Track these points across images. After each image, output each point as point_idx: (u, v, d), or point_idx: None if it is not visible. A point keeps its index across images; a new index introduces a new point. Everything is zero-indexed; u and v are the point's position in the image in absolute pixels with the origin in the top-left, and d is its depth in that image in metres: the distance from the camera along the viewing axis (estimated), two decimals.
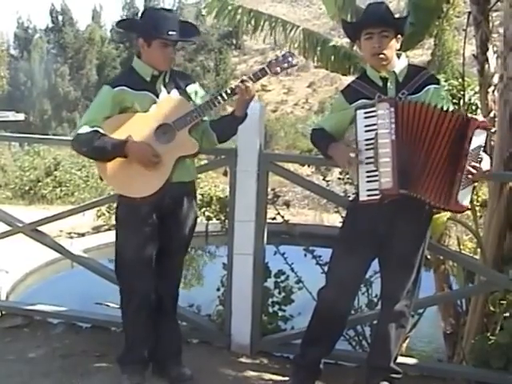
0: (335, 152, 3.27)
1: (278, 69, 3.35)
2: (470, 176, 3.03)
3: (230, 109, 3.61)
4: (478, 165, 3.03)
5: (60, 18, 57.78)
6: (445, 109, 3.07)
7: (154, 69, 3.37)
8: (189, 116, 3.30)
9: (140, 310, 3.49)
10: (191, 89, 3.51)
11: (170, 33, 3.29)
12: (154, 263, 3.51)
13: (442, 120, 3.03)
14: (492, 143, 5.02)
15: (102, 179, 3.49)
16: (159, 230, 3.43)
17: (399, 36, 3.26)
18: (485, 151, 3.13)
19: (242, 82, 3.31)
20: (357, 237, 3.28)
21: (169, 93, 3.42)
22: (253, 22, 8.58)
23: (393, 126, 3.05)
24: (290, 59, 3.36)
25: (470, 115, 3.16)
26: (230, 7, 8.74)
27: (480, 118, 3.17)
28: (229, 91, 3.35)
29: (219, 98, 3.33)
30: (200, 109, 3.33)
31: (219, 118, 3.57)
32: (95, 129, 3.27)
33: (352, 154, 3.13)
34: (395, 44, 3.25)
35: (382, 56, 3.20)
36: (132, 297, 3.50)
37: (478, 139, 3.02)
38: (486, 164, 3.12)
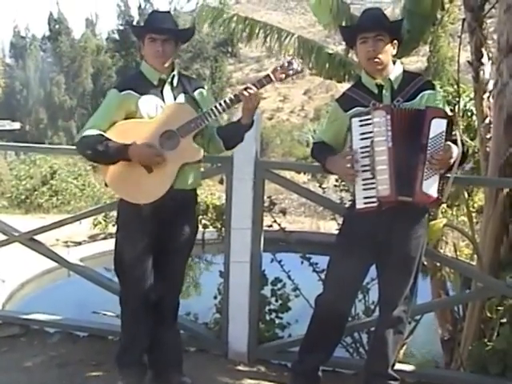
0: (333, 166, 3.27)
1: (283, 75, 3.31)
2: (432, 165, 3.02)
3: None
4: (440, 153, 3.02)
5: (57, 26, 57.81)
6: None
7: (160, 72, 3.39)
8: (193, 123, 3.29)
9: (137, 311, 3.50)
10: (198, 93, 3.50)
11: (158, 26, 3.32)
12: (154, 271, 3.52)
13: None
14: (487, 149, 5.03)
15: (106, 185, 3.49)
16: (158, 236, 3.42)
17: (395, 42, 3.26)
18: (453, 141, 3.11)
19: (246, 88, 3.29)
20: (354, 243, 3.27)
21: (175, 97, 3.42)
22: (248, 29, 8.61)
23: (389, 133, 3.05)
24: (294, 66, 3.32)
25: (428, 106, 3.16)
26: (225, 15, 8.78)
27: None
28: (233, 98, 3.33)
29: (223, 104, 3.31)
30: (204, 115, 3.31)
31: (226, 125, 3.56)
32: (100, 132, 3.28)
33: (348, 164, 3.13)
34: (391, 49, 3.24)
35: (377, 60, 3.19)
36: (129, 298, 3.51)
37: (437, 128, 3.03)
38: (452, 152, 3.07)
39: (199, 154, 3.39)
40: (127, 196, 3.39)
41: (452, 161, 3.08)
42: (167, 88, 3.42)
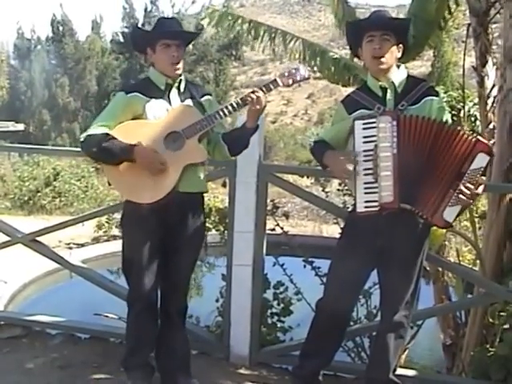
0: (330, 161, 3.26)
1: (290, 81, 3.32)
2: (461, 196, 3.02)
3: None
4: (472, 186, 3.02)
5: (60, 28, 57.90)
6: (445, 122, 3.10)
7: (167, 77, 3.39)
8: (198, 124, 3.29)
9: (142, 314, 3.49)
10: (206, 100, 3.50)
11: (173, 31, 3.34)
12: (161, 275, 3.51)
13: (449, 137, 3.04)
14: None
15: (109, 184, 3.48)
16: (165, 240, 3.41)
17: (400, 45, 3.27)
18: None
19: (253, 92, 3.29)
20: (355, 248, 3.26)
21: (183, 102, 3.42)
22: (252, 32, 8.61)
23: (395, 139, 3.04)
24: (302, 72, 3.33)
25: (479, 137, 3.13)
26: (229, 17, 8.78)
27: (485, 141, 3.14)
28: (239, 101, 3.32)
29: (229, 107, 3.32)
30: (210, 117, 3.32)
31: (231, 130, 3.55)
32: (105, 131, 3.28)
33: (350, 166, 3.13)
34: (396, 51, 3.25)
35: (382, 59, 3.20)
36: (136, 301, 3.50)
37: (479, 162, 3.01)
38: (480, 189, 3.09)
39: (204, 155, 3.38)
40: (129, 195, 3.39)
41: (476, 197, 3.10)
42: (174, 92, 3.42)
